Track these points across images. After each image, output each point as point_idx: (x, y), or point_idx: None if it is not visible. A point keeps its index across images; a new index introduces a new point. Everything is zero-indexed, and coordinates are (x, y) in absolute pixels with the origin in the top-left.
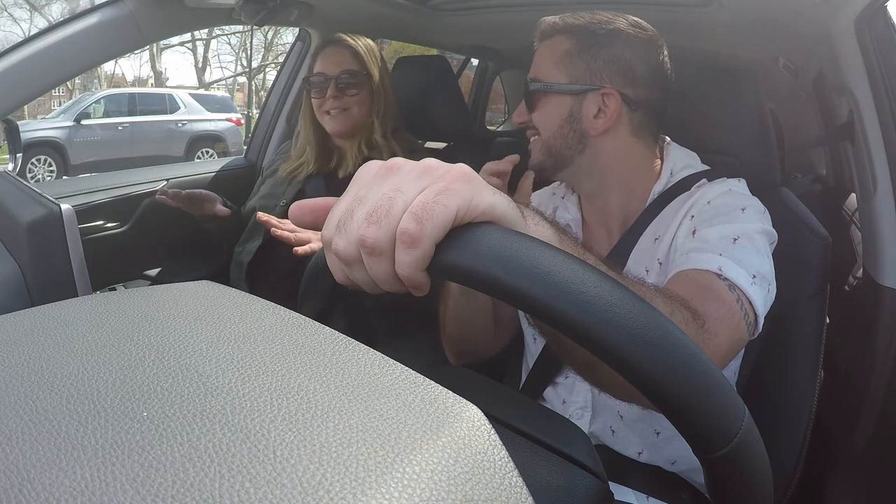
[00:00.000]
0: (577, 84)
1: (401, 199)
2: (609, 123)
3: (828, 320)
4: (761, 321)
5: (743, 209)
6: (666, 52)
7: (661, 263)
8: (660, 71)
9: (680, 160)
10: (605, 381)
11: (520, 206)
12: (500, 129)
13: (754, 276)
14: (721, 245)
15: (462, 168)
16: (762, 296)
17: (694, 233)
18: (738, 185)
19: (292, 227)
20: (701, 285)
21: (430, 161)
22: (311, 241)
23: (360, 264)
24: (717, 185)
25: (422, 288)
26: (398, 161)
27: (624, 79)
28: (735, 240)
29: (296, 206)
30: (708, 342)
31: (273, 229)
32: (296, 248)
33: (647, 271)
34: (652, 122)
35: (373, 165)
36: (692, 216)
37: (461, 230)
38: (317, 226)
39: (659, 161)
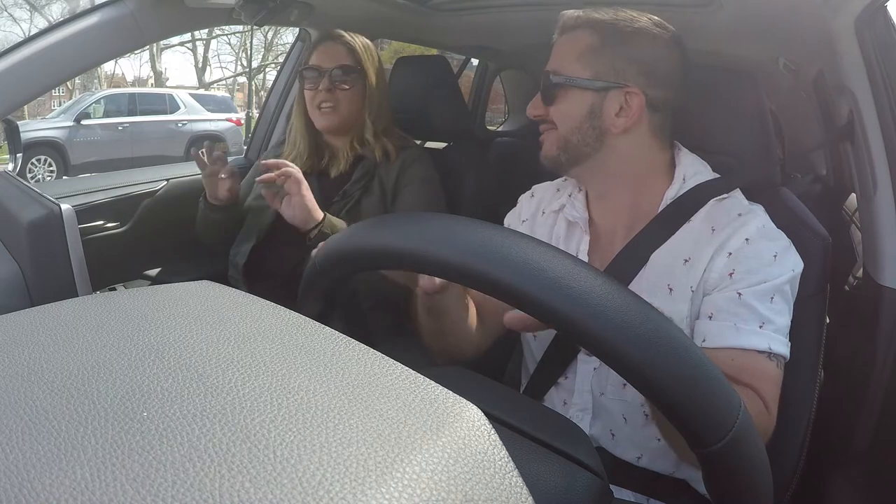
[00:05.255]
0: (600, 80)
1: None
2: (630, 123)
3: (828, 320)
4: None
5: (775, 255)
6: (685, 53)
7: (693, 290)
8: (680, 71)
9: (692, 166)
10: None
11: None
12: (500, 129)
13: (786, 336)
14: (762, 310)
15: None
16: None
17: (732, 275)
18: (765, 218)
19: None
20: (757, 368)
21: None
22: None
23: None
24: (751, 218)
25: None
26: None
27: (647, 78)
28: (771, 299)
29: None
30: (771, 425)
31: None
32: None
33: (670, 289)
34: (669, 123)
35: None
36: (729, 253)
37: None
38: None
39: (672, 165)
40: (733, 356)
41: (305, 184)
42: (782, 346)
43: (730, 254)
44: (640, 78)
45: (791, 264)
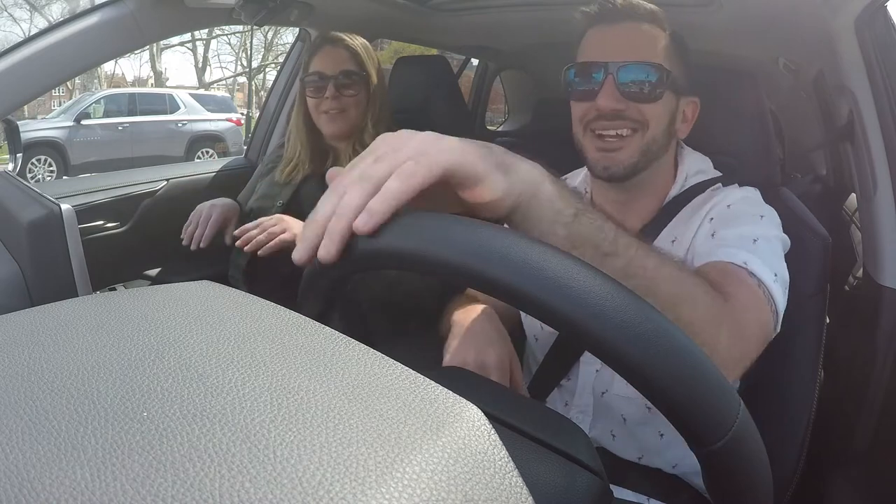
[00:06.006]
0: (682, 81)
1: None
2: (688, 130)
3: (828, 320)
4: (780, 319)
5: (761, 216)
6: None
7: None
8: None
9: (694, 164)
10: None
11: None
12: (500, 129)
13: (775, 275)
14: (742, 243)
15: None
16: (781, 294)
17: (713, 234)
18: (755, 193)
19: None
20: (728, 272)
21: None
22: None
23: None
24: (736, 191)
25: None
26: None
27: (691, 87)
28: (755, 241)
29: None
30: (733, 316)
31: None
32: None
33: None
34: None
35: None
36: (711, 218)
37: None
38: None
39: (675, 164)
40: (705, 269)
41: (293, 229)
42: (764, 271)
43: (711, 219)
44: (691, 86)
45: (779, 229)
